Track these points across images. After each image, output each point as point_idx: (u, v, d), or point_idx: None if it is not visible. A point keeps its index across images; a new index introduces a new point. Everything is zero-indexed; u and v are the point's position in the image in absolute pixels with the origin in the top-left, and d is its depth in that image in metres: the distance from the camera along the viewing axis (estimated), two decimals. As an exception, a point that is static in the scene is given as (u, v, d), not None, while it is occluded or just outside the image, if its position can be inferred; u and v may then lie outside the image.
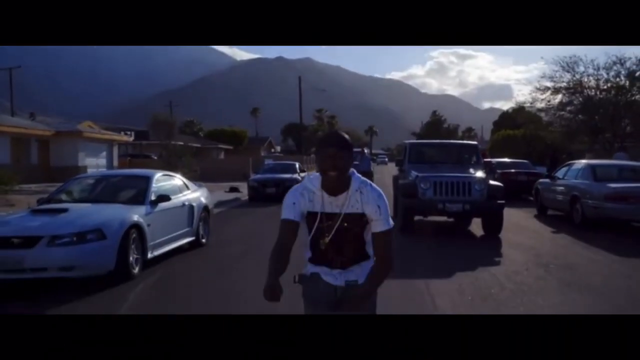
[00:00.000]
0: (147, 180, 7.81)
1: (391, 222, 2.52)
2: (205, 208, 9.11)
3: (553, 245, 9.31)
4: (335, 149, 2.38)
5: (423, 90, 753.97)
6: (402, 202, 10.32)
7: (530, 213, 13.81)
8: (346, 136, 2.48)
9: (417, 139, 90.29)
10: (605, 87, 26.57)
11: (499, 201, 9.82)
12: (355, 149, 25.90)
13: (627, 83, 25.73)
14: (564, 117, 27.97)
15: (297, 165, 20.81)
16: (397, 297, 5.33)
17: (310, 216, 2.52)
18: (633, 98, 25.89)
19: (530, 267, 7.33)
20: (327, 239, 2.49)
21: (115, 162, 31.07)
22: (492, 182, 10.44)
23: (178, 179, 8.89)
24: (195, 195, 9.00)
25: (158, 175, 8.23)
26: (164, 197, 7.61)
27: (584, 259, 7.94)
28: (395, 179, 12.69)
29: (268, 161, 32.80)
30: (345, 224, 2.48)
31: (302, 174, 20.17)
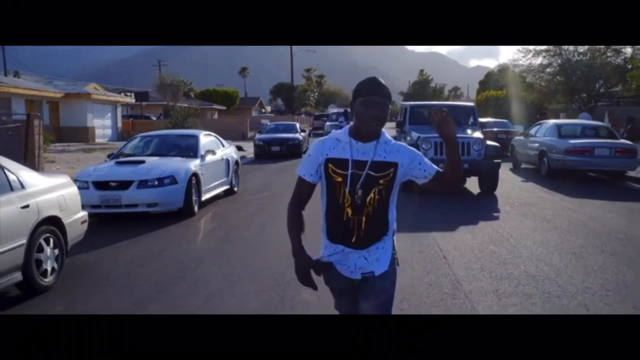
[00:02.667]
0: (196, 138, 9.71)
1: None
2: (236, 162, 11.05)
3: (521, 190, 11.39)
4: (380, 98, 2.23)
5: (410, 48, 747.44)
6: None
7: (506, 167, 15.88)
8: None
9: (404, 99, 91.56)
10: (582, 49, 28.43)
11: (495, 160, 10.49)
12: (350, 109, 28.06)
13: (602, 45, 27.57)
14: (544, 79, 29.92)
15: (297, 126, 22.62)
16: (412, 263, 5.67)
17: (336, 164, 2.30)
18: (607, 60, 27.81)
19: (501, 205, 9.44)
20: (359, 191, 2.27)
21: (120, 124, 32.57)
22: (489, 142, 10.92)
23: (214, 137, 10.78)
24: (229, 150, 10.91)
25: (202, 134, 10.12)
26: (210, 152, 9.54)
27: (542, 200, 10.06)
28: (395, 140, 14.16)
29: (264, 121, 34.53)
30: (373, 174, 2.27)
31: (303, 134, 22.05)
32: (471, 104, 14.50)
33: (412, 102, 13.08)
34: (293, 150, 19.36)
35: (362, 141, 2.29)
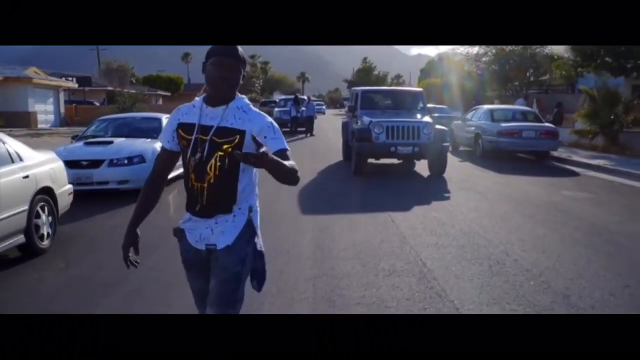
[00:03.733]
0: (159, 121, 10.25)
1: (287, 145, 2.27)
2: (196, 144, 11.63)
3: (458, 169, 12.54)
4: (231, 60, 2.19)
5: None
6: (356, 146, 10.87)
7: (445, 149, 17.17)
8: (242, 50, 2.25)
9: (349, 86, 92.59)
10: (514, 41, 30.36)
11: (444, 144, 10.85)
12: (301, 96, 28.06)
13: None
14: (480, 67, 31.75)
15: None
16: (366, 226, 6.42)
17: (185, 129, 2.28)
18: (537, 51, 29.85)
19: (442, 182, 10.54)
20: (197, 155, 2.22)
21: (62, 109, 31.90)
22: (438, 126, 11.16)
23: (176, 121, 11.29)
24: (189, 133, 11.47)
25: (164, 117, 10.64)
26: (173, 134, 10.11)
27: (476, 177, 11.25)
28: (346, 124, 13.46)
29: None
30: (217, 140, 2.21)
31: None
32: (420, 89, 14.65)
33: (363, 88, 13.44)
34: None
35: (212, 106, 2.25)
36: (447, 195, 8.99)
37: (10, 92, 27.58)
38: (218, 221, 2.28)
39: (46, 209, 5.59)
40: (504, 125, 14.21)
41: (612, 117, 14.78)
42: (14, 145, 5.40)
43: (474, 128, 15.40)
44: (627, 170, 11.26)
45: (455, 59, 36.84)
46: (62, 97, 32.40)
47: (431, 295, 4.33)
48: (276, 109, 28.25)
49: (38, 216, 5.42)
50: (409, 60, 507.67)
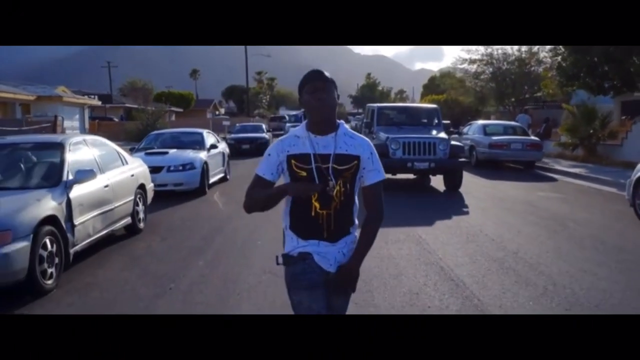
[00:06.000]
0: (202, 135, 12.29)
1: (384, 174, 2.41)
2: (228, 155, 13.65)
3: (454, 176, 14.48)
4: (322, 82, 2.26)
5: (356, 51, 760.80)
6: None
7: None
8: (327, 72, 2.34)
9: (353, 102, 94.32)
10: (510, 59, 32.46)
11: (460, 159, 11.10)
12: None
13: (527, 56, 31.68)
14: (478, 85, 33.85)
15: (263, 126, 25.29)
16: (394, 239, 6.89)
17: (299, 159, 2.30)
18: (532, 69, 31.93)
19: (440, 187, 12.48)
20: (331, 184, 2.28)
21: (87, 125, 34.08)
22: (453, 142, 11.44)
23: (213, 135, 13.33)
24: (223, 146, 13.51)
25: (205, 132, 12.68)
26: (213, 146, 12.13)
27: (469, 182, 13.11)
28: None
29: (225, 123, 36.77)
30: (337, 167, 2.29)
31: (269, 133, 24.69)
32: (435, 105, 15.18)
33: (379, 104, 13.90)
34: (261, 148, 21.88)
35: (320, 134, 2.31)
36: (444, 195, 10.92)
37: (41, 110, 29.76)
38: (344, 243, 2.38)
39: (141, 199, 7.57)
40: (494, 138, 16.18)
41: (591, 131, 16.74)
42: (121, 152, 7.40)
43: (469, 141, 17.36)
44: (598, 176, 13.18)
45: (456, 75, 38.97)
46: (87, 113, 34.61)
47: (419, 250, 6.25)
48: (287, 124, 30.42)
49: (137, 204, 7.39)
50: (411, 74, 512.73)
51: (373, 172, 2.37)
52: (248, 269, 5.72)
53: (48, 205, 5.03)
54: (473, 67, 33.65)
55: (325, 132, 2.31)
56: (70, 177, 5.60)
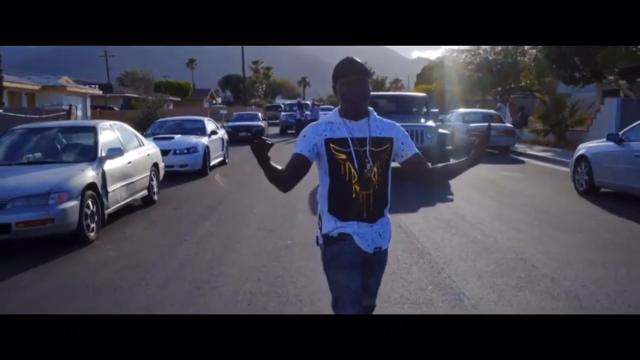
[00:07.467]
0: (203, 122, 13.66)
1: None
2: (227, 141, 15.01)
3: (433, 159, 15.87)
4: (357, 75, 2.36)
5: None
6: None
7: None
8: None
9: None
10: (497, 49, 33.78)
11: (447, 147, 11.22)
12: (303, 102, 31.36)
13: (512, 47, 33.01)
14: (466, 75, 35.18)
15: (259, 115, 26.60)
16: None
17: (336, 143, 2.40)
18: (518, 59, 33.25)
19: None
20: (368, 166, 2.38)
21: (89, 113, 35.30)
22: (441, 130, 11.56)
23: (213, 123, 14.68)
24: (222, 132, 14.87)
25: (206, 119, 14.04)
26: (214, 132, 13.50)
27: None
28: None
29: (222, 111, 38.03)
30: (374, 149, 2.41)
31: (264, 122, 26.00)
32: (424, 94, 15.15)
33: (373, 93, 15.00)
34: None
35: (354, 120, 2.42)
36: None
37: (46, 100, 30.95)
38: (380, 224, 2.49)
39: (155, 176, 8.95)
40: (471, 125, 17.56)
41: (560, 119, 18.15)
42: (138, 135, 8.78)
43: (450, 127, 18.73)
44: (562, 159, 14.58)
45: (450, 64, 40.34)
46: (89, 102, 35.81)
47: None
48: (283, 113, 31.67)
49: (152, 180, 8.76)
50: (408, 63, 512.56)
51: (410, 145, 2.57)
52: (246, 227, 7.13)
53: (89, 174, 6.42)
54: (462, 57, 35.04)
55: (359, 118, 2.45)
56: (104, 154, 6.99)
